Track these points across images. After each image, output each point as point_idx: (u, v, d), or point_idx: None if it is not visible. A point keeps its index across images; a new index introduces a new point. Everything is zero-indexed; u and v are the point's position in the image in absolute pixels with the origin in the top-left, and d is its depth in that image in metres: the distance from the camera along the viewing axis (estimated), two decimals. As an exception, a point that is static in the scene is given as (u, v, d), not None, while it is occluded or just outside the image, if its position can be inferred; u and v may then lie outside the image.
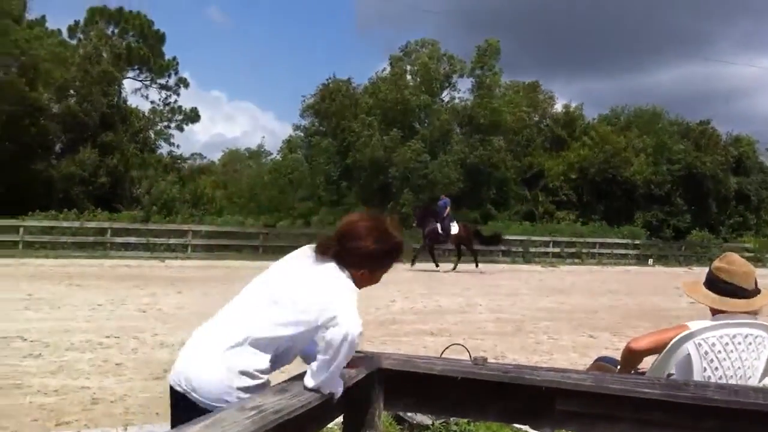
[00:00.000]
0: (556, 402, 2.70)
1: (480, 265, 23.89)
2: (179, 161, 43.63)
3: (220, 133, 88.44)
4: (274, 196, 34.09)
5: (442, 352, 3.70)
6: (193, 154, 48.57)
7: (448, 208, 24.30)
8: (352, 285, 2.62)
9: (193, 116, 44.81)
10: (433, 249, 24.16)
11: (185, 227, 27.01)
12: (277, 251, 27.15)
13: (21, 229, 24.64)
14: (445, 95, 41.20)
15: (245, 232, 27.98)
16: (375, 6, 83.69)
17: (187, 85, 44.78)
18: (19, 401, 5.58)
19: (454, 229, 23.79)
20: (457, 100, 41.08)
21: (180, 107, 44.24)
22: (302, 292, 2.57)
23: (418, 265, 22.58)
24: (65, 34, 39.43)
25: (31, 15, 36.25)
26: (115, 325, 9.54)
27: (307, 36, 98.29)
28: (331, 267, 2.64)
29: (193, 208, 31.78)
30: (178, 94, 44.17)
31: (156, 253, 25.32)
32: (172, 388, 2.59)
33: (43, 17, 38.97)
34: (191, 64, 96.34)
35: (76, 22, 40.18)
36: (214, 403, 2.44)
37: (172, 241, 26.49)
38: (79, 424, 5.06)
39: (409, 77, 39.32)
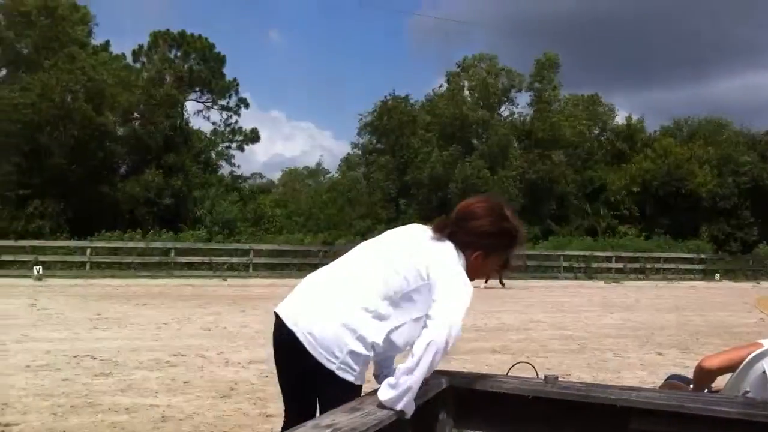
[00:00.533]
0: (630, 421, 2.63)
1: (541, 281, 23.51)
2: (240, 181, 44.29)
3: (280, 152, 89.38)
4: (332, 214, 34.27)
5: (509, 370, 3.64)
6: (253, 174, 49.27)
7: None
8: (466, 281, 2.53)
9: (253, 136, 45.48)
10: None
11: (247, 246, 27.43)
12: (337, 269, 27.36)
13: (89, 250, 25.39)
14: (504, 110, 41.06)
15: (305, 250, 28.25)
16: (430, 23, 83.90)
17: (247, 106, 45.48)
18: (92, 419, 5.69)
19: None
20: (515, 115, 40.91)
21: (240, 128, 44.97)
22: (419, 269, 2.52)
23: (478, 282, 22.34)
24: (129, 58, 40.51)
25: (96, 40, 37.36)
26: (181, 343, 9.70)
27: (364, 55, 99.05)
28: (449, 247, 2.58)
29: (254, 227, 32.21)
30: (239, 115, 44.90)
31: (218, 272, 25.74)
32: (280, 321, 2.61)
33: (108, 42, 40.11)
34: (251, 84, 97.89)
35: (140, 46, 41.26)
36: (323, 352, 2.46)
37: (234, 260, 26.93)
38: (149, 441, 5.14)
39: (466, 92, 39.27)
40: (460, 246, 2.59)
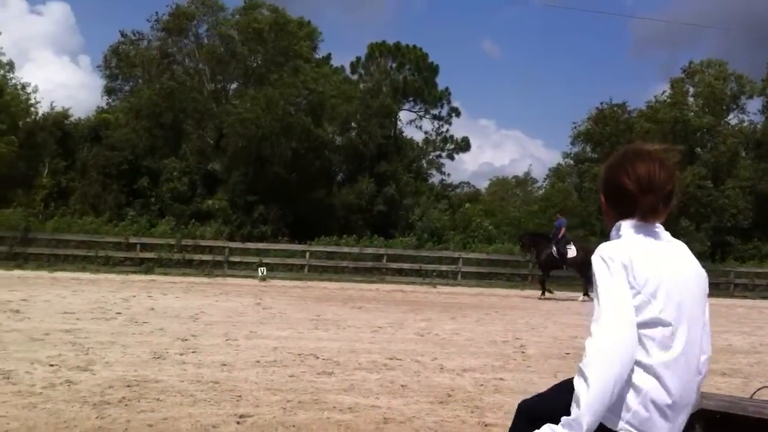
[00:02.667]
0: None
1: (729, 299, 21.68)
2: (449, 189, 44.80)
3: (488, 161, 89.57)
4: (542, 224, 33.68)
5: (753, 395, 3.37)
6: (461, 183, 49.69)
7: (563, 229, 22.35)
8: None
9: (463, 145, 45.94)
10: (546, 275, 22.49)
11: (456, 254, 27.57)
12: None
13: (307, 254, 26.67)
14: (732, 117, 38.39)
15: (515, 260, 27.95)
16: (652, 26, 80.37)
17: (458, 115, 46.04)
18: (318, 416, 5.91)
19: (571, 252, 21.73)
20: (745, 123, 38.10)
21: (451, 136, 45.61)
22: None
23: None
24: (348, 70, 42.32)
25: (318, 54, 39.34)
26: (396, 347, 9.88)
27: (579, 62, 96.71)
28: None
29: (462, 235, 32.38)
30: (450, 124, 45.58)
31: (428, 279, 26.08)
32: None
33: (329, 55, 42.19)
34: (462, 93, 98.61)
35: (358, 59, 43.10)
36: None
37: (443, 267, 27.17)
38: (373, 442, 5.24)
39: (691, 99, 37.14)
40: None
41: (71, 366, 7.46)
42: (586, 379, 2.19)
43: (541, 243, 22.52)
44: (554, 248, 21.86)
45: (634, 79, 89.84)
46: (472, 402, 6.72)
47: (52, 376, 6.94)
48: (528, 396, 2.84)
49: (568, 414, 2.26)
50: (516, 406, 2.77)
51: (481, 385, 7.55)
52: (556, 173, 40.97)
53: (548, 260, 22.11)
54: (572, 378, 2.51)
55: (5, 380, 6.63)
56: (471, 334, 11.87)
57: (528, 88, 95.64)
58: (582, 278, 21.99)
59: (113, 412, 5.70)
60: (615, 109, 37.65)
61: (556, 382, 2.75)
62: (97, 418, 5.53)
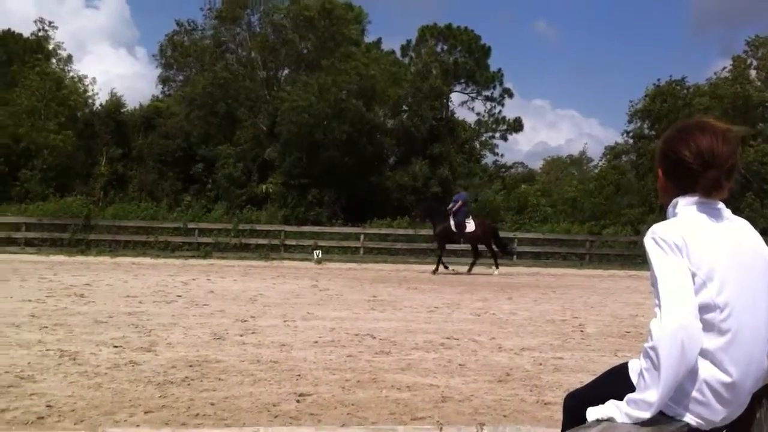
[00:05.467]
0: None
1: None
2: (503, 170, 44.48)
3: (543, 141, 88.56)
4: (599, 203, 33.16)
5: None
6: (514, 163, 49.28)
7: (461, 202, 21.56)
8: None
9: (516, 126, 45.51)
10: (443, 249, 21.81)
11: (511, 235, 27.33)
12: (603, 260, 26.49)
13: (362, 236, 26.80)
14: (797, 92, 37.05)
15: (572, 239, 27.64)
16: (713, 3, 78.13)
17: (511, 96, 45.66)
18: (376, 395, 5.94)
19: (470, 226, 21.13)
20: (813, 97, 36.73)
21: (504, 117, 45.23)
22: None
23: None
24: (398, 53, 42.21)
25: (368, 38, 39.28)
26: (452, 327, 9.86)
27: (634, 40, 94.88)
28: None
29: (517, 215, 32.11)
30: (503, 105, 45.22)
31: (483, 260, 25.94)
32: None
33: (379, 40, 42.13)
34: (515, 74, 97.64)
35: (408, 42, 42.97)
36: None
37: (498, 248, 26.94)
38: (432, 420, 5.24)
39: (753, 73, 35.99)
40: None
41: (135, 347, 7.63)
42: (653, 360, 2.16)
43: (438, 215, 21.83)
44: (452, 221, 21.27)
45: (694, 57, 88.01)
46: (530, 381, 6.67)
47: (116, 357, 7.11)
48: (573, 388, 2.80)
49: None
50: (563, 402, 2.73)
51: (540, 364, 7.49)
52: (613, 151, 40.22)
53: (444, 233, 21.47)
54: (619, 366, 2.50)
55: (72, 361, 6.81)
56: (528, 314, 11.78)
57: (583, 68, 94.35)
58: (477, 252, 21.96)
59: (176, 392, 5.82)
60: (674, 85, 36.71)
61: (603, 371, 2.71)
62: (160, 397, 5.65)
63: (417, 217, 24.43)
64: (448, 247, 22.62)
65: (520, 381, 6.66)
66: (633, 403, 2.22)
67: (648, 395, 2.17)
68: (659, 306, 2.19)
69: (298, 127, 31.06)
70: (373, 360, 7.35)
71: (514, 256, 25.89)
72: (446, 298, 13.85)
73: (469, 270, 21.76)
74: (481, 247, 22.12)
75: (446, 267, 21.74)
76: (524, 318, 11.21)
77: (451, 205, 21.78)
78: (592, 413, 2.33)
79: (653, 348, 2.15)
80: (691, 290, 2.19)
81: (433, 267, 21.44)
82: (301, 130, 31.16)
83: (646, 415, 2.19)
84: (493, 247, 22.20)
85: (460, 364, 7.28)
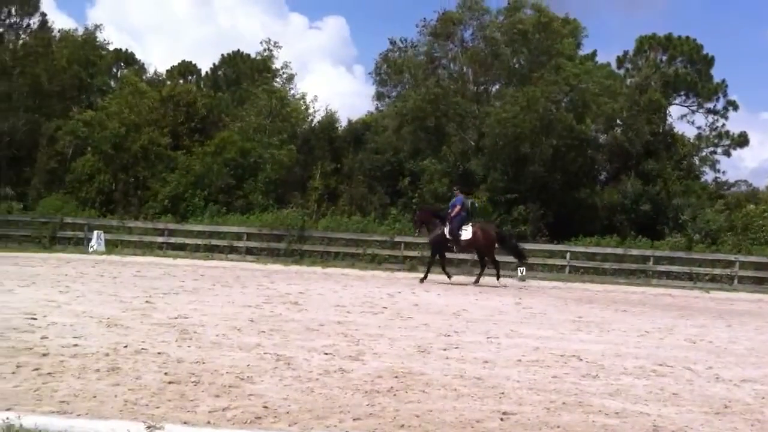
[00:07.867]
0: None
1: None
2: (725, 188, 41.68)
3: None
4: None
5: None
6: (737, 181, 45.97)
7: (458, 207, 19.41)
8: None
9: (741, 140, 42.51)
10: (443, 258, 20.00)
11: (732, 257, 25.58)
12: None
13: (568, 254, 26.17)
14: None
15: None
16: None
17: (736, 108, 42.70)
18: (583, 418, 5.74)
19: (466, 234, 19.02)
20: None
21: (727, 132, 42.39)
22: None
23: None
24: (614, 65, 40.89)
25: (583, 51, 38.34)
26: (664, 353, 9.34)
27: None
28: None
29: (739, 236, 29.91)
30: (726, 118, 42.39)
31: (699, 284, 24.51)
32: None
33: (594, 52, 40.98)
34: (741, 86, 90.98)
35: (625, 53, 41.52)
36: None
37: (716, 271, 25.40)
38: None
39: None
40: None
41: (344, 355, 7.92)
42: None
43: (434, 222, 20.23)
44: (446, 228, 19.64)
45: None
46: (752, 415, 6.19)
47: (326, 363, 7.40)
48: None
49: None
50: None
51: (763, 397, 6.92)
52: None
53: (438, 241, 19.97)
54: None
55: (286, 365, 7.18)
56: (750, 343, 10.93)
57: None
58: (483, 262, 20.47)
59: (382, 401, 5.96)
60: None
61: None
62: (367, 405, 5.81)
63: (412, 222, 23.40)
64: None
65: (740, 414, 6.18)
66: None
67: None
68: None
69: (504, 139, 30.92)
70: (580, 383, 7.12)
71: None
72: (658, 322, 13.17)
73: (476, 281, 20.47)
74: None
75: (449, 276, 20.59)
76: (745, 348, 10.41)
77: (449, 210, 20.46)
78: None
79: None
80: None
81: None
82: (507, 143, 31.00)
83: None
84: (495, 257, 20.93)
85: (673, 393, 6.88)
